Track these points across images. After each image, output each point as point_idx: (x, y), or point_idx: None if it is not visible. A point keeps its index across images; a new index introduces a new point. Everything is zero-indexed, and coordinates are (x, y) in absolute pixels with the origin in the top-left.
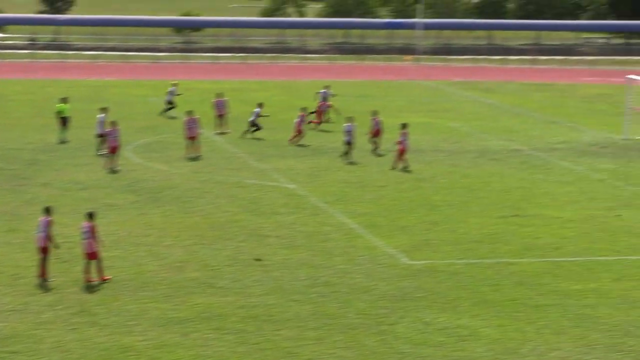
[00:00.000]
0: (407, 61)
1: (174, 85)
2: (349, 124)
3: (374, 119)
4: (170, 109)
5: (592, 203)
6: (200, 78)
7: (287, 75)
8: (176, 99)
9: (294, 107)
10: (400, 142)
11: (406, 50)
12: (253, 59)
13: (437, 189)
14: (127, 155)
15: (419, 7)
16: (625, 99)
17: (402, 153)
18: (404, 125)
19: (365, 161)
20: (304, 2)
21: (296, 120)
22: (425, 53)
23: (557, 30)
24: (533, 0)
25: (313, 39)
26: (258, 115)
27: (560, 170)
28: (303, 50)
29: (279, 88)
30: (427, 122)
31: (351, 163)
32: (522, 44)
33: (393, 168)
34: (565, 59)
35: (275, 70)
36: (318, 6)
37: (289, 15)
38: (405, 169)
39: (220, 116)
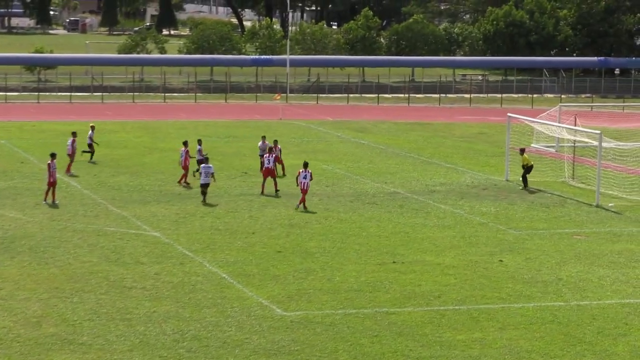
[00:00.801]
0: (276, 100)
1: (92, 127)
2: (209, 165)
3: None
4: (90, 152)
5: (473, 248)
6: (53, 119)
7: (148, 115)
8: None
9: (157, 149)
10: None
11: (275, 88)
12: (111, 98)
13: (311, 235)
14: None
15: (287, 43)
16: (506, 138)
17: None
18: (306, 165)
19: (234, 206)
20: (164, 38)
21: (181, 157)
22: (295, 91)
23: (432, 67)
24: (405, 36)
25: (175, 76)
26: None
27: (440, 213)
28: (165, 88)
29: (140, 129)
30: (298, 164)
31: (223, 207)
32: (396, 82)
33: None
34: (441, 96)
35: (135, 110)
36: (180, 42)
37: (149, 52)
38: (306, 209)
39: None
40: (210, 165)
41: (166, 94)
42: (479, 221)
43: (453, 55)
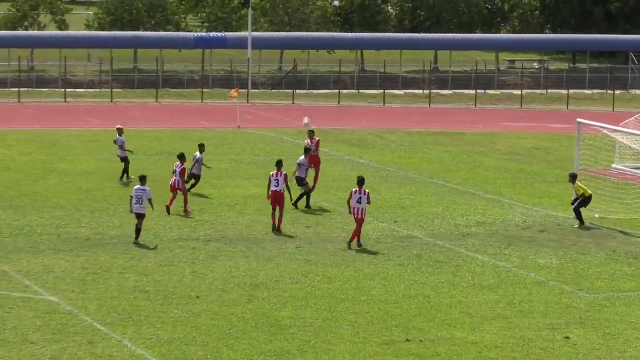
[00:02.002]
0: (232, 99)
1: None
2: (144, 187)
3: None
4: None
5: (526, 320)
6: None
7: (41, 121)
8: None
9: (54, 171)
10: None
11: (231, 81)
12: None
13: (285, 300)
14: None
15: (249, 14)
16: (575, 156)
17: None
18: (361, 182)
19: (169, 257)
20: (66, 7)
21: (173, 179)
22: (261, 86)
23: (465, 49)
24: (425, 4)
25: (82, 64)
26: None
27: (476, 268)
28: (66, 82)
29: (30, 142)
30: (260, 193)
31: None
32: (411, 72)
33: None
34: (479, 94)
35: (21, 114)
36: (89, 13)
37: (43, 28)
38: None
39: None
40: (146, 187)
41: (68, 90)
42: (535, 279)
43: (496, 32)
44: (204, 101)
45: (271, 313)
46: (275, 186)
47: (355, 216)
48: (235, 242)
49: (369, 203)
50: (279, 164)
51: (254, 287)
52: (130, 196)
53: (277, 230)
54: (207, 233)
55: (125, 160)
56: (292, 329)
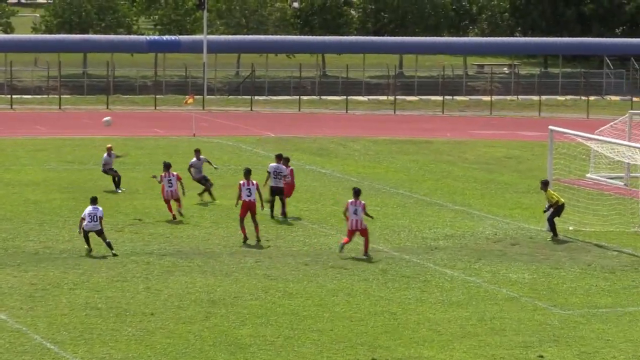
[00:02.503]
0: (187, 105)
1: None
2: (96, 206)
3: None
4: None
5: (497, 337)
6: None
7: None
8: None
9: (0, 181)
10: None
11: (185, 87)
12: None
13: (244, 317)
14: None
15: (204, 15)
16: (547, 165)
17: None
18: (357, 193)
19: (122, 271)
20: (11, 9)
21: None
22: (217, 91)
23: (431, 53)
24: (389, 5)
25: (28, 69)
26: None
27: (444, 283)
28: (12, 87)
29: None
30: (217, 204)
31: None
32: (375, 76)
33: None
34: (446, 100)
35: None
36: (35, 15)
37: None
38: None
39: None
40: (99, 207)
41: (13, 96)
42: (507, 295)
43: (464, 35)
44: (157, 108)
45: (230, 331)
46: (248, 195)
47: (353, 228)
48: (191, 256)
49: (365, 214)
50: (248, 172)
51: (212, 304)
52: (82, 217)
53: (258, 240)
54: (161, 247)
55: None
56: (252, 348)
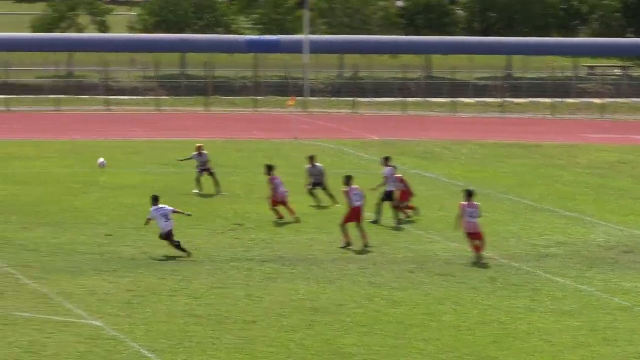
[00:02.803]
0: (289, 107)
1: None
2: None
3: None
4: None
5: (610, 348)
6: None
7: (81, 131)
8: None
9: (96, 185)
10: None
11: (286, 88)
12: (22, 104)
13: (348, 326)
14: None
15: (306, 15)
16: None
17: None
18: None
19: (222, 278)
20: (107, 7)
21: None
22: (319, 93)
23: (541, 54)
24: (497, 5)
25: (124, 69)
26: None
27: (556, 292)
28: (108, 88)
29: (69, 153)
30: (320, 210)
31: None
32: (482, 78)
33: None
34: (556, 102)
35: (60, 123)
36: (132, 14)
37: (83, 30)
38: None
39: None
40: (163, 205)
41: (110, 97)
42: (619, 304)
43: (574, 36)
44: (257, 109)
45: (333, 340)
46: (357, 201)
47: (470, 231)
48: (293, 263)
49: (479, 216)
50: (350, 179)
51: (314, 312)
52: (148, 219)
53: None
54: (262, 253)
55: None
56: (356, 357)
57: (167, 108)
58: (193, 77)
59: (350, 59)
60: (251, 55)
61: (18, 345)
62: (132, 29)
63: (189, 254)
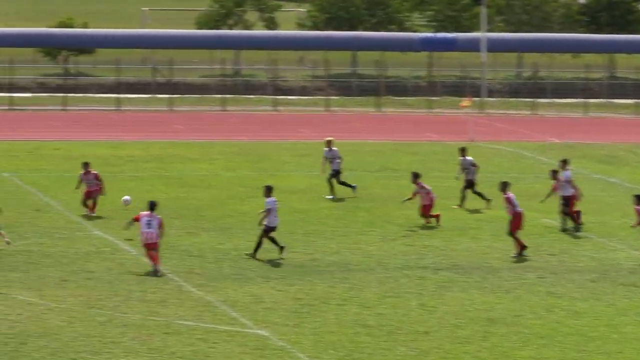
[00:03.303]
0: (464, 107)
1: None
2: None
3: None
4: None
5: None
6: (89, 137)
7: (249, 132)
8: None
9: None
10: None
11: (462, 88)
12: (185, 103)
13: (526, 337)
14: None
15: (483, 12)
16: None
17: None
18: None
19: (394, 286)
20: (275, 3)
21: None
22: (496, 93)
23: None
24: None
25: (292, 68)
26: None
27: None
28: (275, 87)
29: (235, 155)
30: (497, 215)
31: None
32: None
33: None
34: None
35: (226, 124)
36: (301, 10)
37: (249, 27)
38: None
39: (89, 195)
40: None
41: (278, 97)
42: None
43: None
44: (431, 110)
45: (510, 352)
46: (518, 207)
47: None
48: (468, 271)
49: None
50: (506, 185)
51: (490, 322)
52: (268, 209)
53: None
54: (436, 260)
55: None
56: None
57: (337, 108)
58: (364, 76)
59: (529, 57)
60: (425, 53)
61: (180, 355)
62: (301, 26)
63: (282, 249)
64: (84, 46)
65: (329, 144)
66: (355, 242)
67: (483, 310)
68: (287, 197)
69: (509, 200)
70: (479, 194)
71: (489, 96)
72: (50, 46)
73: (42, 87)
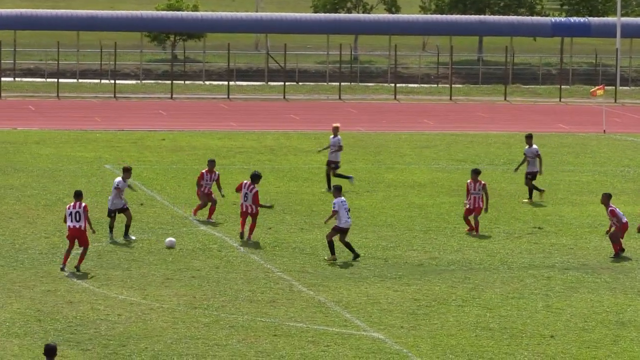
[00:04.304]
0: (596, 97)
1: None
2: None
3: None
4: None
5: None
6: (198, 127)
7: (365, 122)
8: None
9: (382, 183)
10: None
11: (595, 77)
12: (301, 91)
13: None
14: None
15: None
16: None
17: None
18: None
19: (519, 287)
20: None
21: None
22: (632, 82)
23: None
24: None
25: (415, 54)
26: None
27: None
28: (397, 75)
29: (353, 147)
30: (632, 211)
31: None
32: None
33: None
34: None
35: (343, 114)
36: None
37: (369, 10)
38: None
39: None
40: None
41: (398, 85)
42: None
43: None
44: (562, 100)
45: None
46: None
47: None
48: (598, 271)
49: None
50: (609, 197)
51: (621, 326)
52: (335, 211)
53: None
54: (564, 259)
55: None
56: None
57: (462, 97)
58: (491, 63)
59: None
60: (557, 39)
61: (290, 358)
62: (424, 10)
63: (356, 255)
64: (193, 31)
65: (335, 130)
66: (477, 239)
67: (613, 312)
68: (406, 191)
69: (613, 213)
70: (534, 187)
71: (624, 85)
72: (157, 31)
73: (148, 74)
